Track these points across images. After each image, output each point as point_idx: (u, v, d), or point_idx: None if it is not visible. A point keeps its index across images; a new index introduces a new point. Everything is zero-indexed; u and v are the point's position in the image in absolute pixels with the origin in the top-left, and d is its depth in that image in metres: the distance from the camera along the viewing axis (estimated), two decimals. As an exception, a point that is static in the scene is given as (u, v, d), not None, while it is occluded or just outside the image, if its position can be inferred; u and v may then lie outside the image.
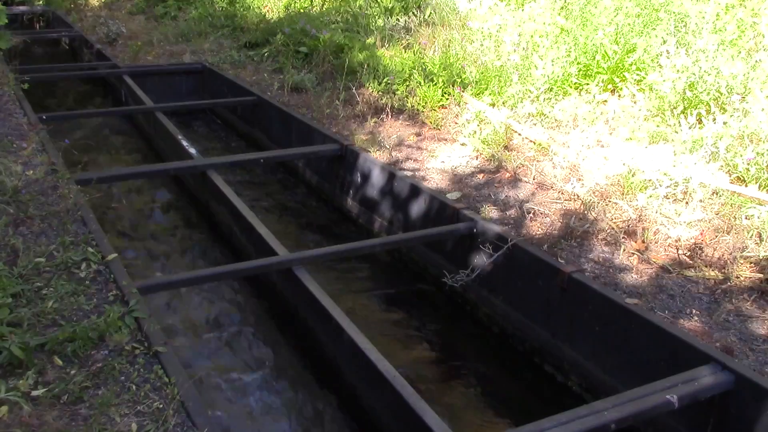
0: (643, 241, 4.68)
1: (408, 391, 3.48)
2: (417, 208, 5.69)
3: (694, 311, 4.05)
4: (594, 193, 5.26)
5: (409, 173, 6.02)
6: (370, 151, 6.48)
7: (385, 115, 7.34)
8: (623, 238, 4.76)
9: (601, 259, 4.60)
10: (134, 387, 3.09)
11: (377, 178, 6.19)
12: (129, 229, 6.30)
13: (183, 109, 9.16)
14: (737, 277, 4.25)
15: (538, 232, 4.93)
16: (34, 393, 2.99)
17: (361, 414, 4.00)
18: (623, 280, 4.36)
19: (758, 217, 4.68)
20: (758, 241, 4.45)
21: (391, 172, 6.00)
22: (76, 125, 8.88)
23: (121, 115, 9.28)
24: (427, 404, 3.40)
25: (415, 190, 5.70)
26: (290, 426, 4.05)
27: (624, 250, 4.65)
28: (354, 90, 7.99)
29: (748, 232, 4.55)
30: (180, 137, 7.00)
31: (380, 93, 7.75)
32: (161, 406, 2.99)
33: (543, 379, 4.58)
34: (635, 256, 4.59)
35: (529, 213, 5.16)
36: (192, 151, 6.60)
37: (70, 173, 5.41)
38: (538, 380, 4.58)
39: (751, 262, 4.33)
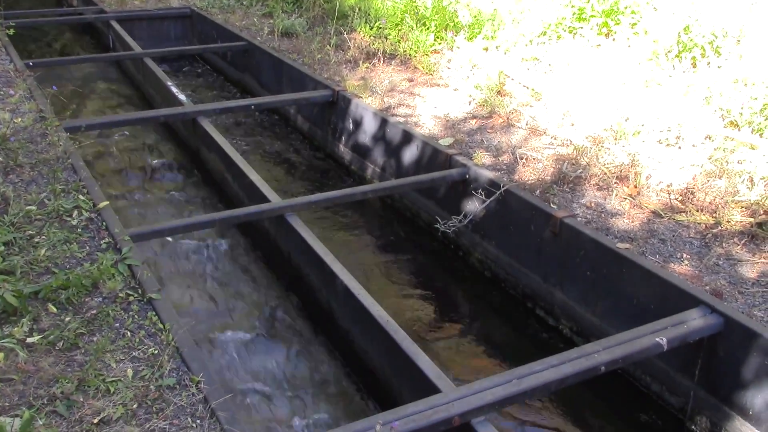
0: (636, 186, 4.69)
1: (401, 335, 3.51)
2: (409, 154, 5.67)
3: (684, 255, 4.08)
4: (587, 138, 5.24)
5: (401, 119, 5.97)
6: (362, 97, 6.42)
7: (377, 61, 7.25)
8: (615, 183, 4.76)
9: (593, 204, 4.61)
10: (129, 333, 3.12)
11: (369, 125, 6.15)
12: (119, 177, 6.27)
13: (172, 54, 9.02)
14: (728, 221, 4.26)
15: (530, 178, 4.93)
16: (29, 340, 3.01)
17: (354, 357, 4.05)
18: (615, 225, 4.38)
19: (750, 161, 4.68)
20: (750, 185, 4.46)
21: (384, 118, 5.95)
22: (64, 72, 8.76)
23: (109, 61, 9.14)
24: (420, 348, 3.44)
25: (408, 136, 5.67)
26: (285, 368, 4.10)
27: (616, 195, 4.66)
28: (345, 35, 7.87)
29: (740, 176, 4.55)
30: (169, 84, 6.91)
31: (372, 38, 7.64)
32: (156, 351, 3.01)
33: (534, 323, 4.63)
34: (627, 200, 4.60)
35: (521, 158, 5.15)
36: (182, 97, 6.53)
37: (59, 120, 5.36)
38: (530, 324, 4.63)
39: (742, 206, 4.35)
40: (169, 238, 5.14)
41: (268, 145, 7.12)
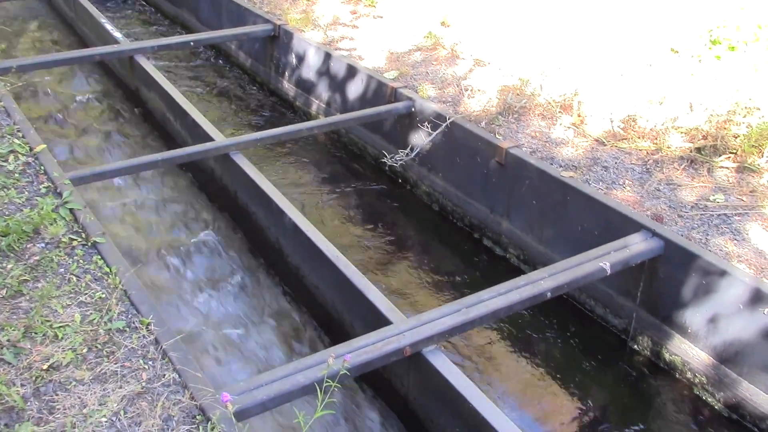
0: (579, 115, 4.73)
1: (351, 270, 3.53)
2: (354, 88, 5.60)
3: (626, 182, 4.16)
4: (531, 68, 5.24)
5: (344, 53, 5.88)
6: (304, 31, 6.29)
7: (318, -7, 7.08)
8: (560, 112, 4.80)
9: (538, 134, 4.64)
10: (74, 278, 3.06)
11: (313, 59, 6.04)
12: (55, 119, 6.06)
13: (104, -10, 8.66)
14: (668, 147, 4.35)
15: (476, 110, 4.93)
16: (-29, 289, 2.94)
17: (305, 293, 4.07)
18: (559, 154, 4.43)
19: (690, 87, 4.75)
20: (689, 111, 4.54)
21: (327, 52, 5.85)
22: (-11, 10, 8.35)
23: (37, -2, 8.74)
24: (370, 281, 3.47)
25: (352, 70, 5.59)
26: (236, 306, 4.10)
27: (560, 124, 4.70)
28: (285, -34, 7.65)
29: (680, 103, 4.63)
30: (104, 21, 6.65)
31: (312, -31, 7.44)
32: (104, 295, 2.97)
33: (482, 253, 4.70)
34: (571, 129, 4.65)
35: (466, 90, 5.14)
36: (117, 35, 6.29)
37: (-13, 62, 5.13)
38: (478, 254, 4.71)
39: (682, 132, 4.44)
40: (111, 181, 5.02)
41: (210, 83, 6.95)
